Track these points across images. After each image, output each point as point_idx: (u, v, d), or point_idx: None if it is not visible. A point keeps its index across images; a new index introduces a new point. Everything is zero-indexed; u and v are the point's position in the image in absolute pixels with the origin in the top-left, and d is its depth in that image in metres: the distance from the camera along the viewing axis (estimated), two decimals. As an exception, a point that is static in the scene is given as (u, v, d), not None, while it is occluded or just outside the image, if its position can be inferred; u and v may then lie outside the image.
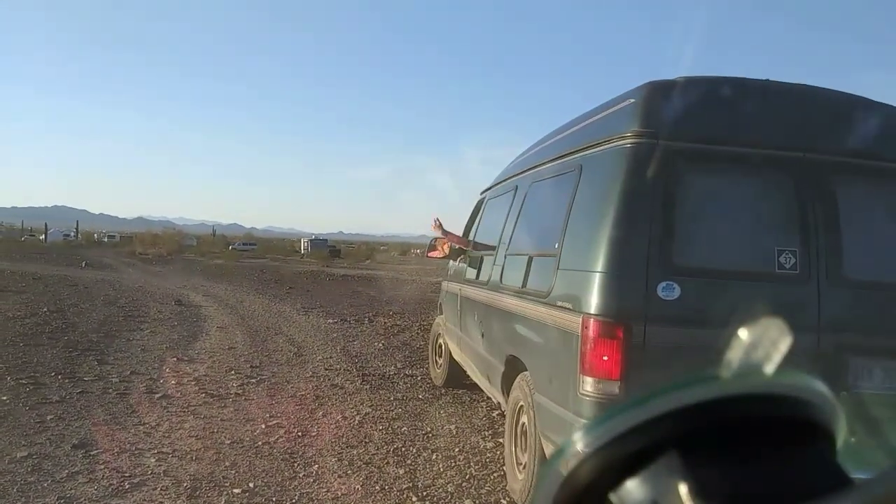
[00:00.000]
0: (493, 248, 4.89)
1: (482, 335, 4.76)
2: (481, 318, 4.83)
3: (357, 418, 5.85)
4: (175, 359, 8.21)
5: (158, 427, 5.34)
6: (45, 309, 12.46)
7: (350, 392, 6.85)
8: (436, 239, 6.70)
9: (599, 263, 2.93)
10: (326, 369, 8.01)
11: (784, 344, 0.45)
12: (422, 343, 10.29)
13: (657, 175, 2.97)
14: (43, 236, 74.79)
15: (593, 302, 2.91)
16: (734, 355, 0.45)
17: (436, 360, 7.38)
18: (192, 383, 6.94)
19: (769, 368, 0.45)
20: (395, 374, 7.89)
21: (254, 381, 7.19)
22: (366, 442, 5.20)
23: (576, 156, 3.59)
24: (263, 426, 5.48)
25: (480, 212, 5.92)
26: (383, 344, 10.12)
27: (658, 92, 3.15)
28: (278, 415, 5.87)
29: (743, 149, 3.10)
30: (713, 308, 2.79)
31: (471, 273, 5.49)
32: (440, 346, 7.22)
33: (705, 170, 3.11)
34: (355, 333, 11.31)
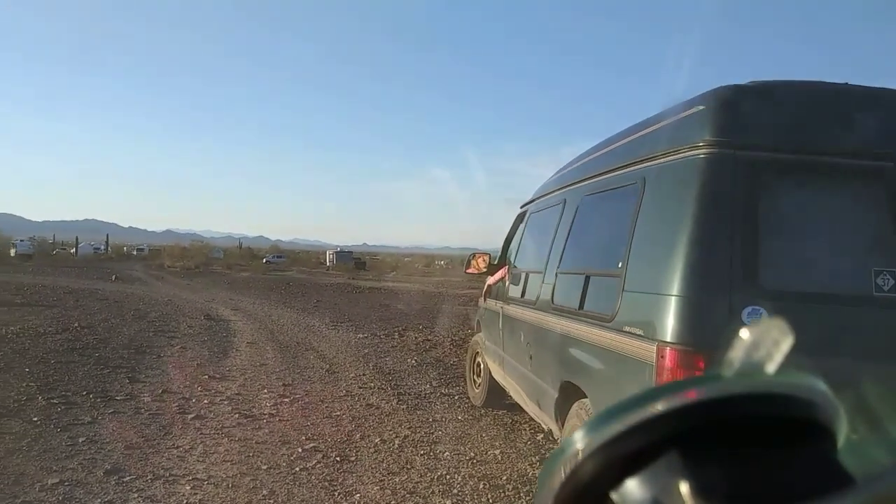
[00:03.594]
0: (539, 265, 4.65)
1: (530, 357, 4.51)
2: (529, 340, 4.58)
3: (396, 441, 5.62)
4: (207, 376, 8.07)
5: (192, 450, 5.16)
6: (76, 324, 12.45)
7: (386, 412, 6.63)
8: (474, 255, 6.47)
9: (675, 286, 2.67)
10: (360, 387, 7.80)
11: (785, 344, 0.45)
12: (455, 360, 10.05)
13: (736, 188, 2.72)
14: (74, 250, 75.98)
15: (669, 329, 2.65)
16: (735, 355, 0.45)
17: (474, 380, 7.13)
18: (225, 402, 6.77)
19: (770, 368, 0.44)
20: (430, 392, 7.65)
21: (287, 399, 7.00)
22: (408, 468, 4.96)
23: (637, 167, 3.34)
24: (300, 450, 5.28)
25: (523, 226, 5.66)
26: (416, 360, 9.89)
27: (731, 97, 2.91)
28: (315, 437, 5.66)
29: (830, 158, 2.83)
30: (803, 335, 2.53)
31: (514, 291, 5.24)
32: (478, 365, 6.97)
33: (791, 182, 2.84)
34: (386, 349, 11.11)
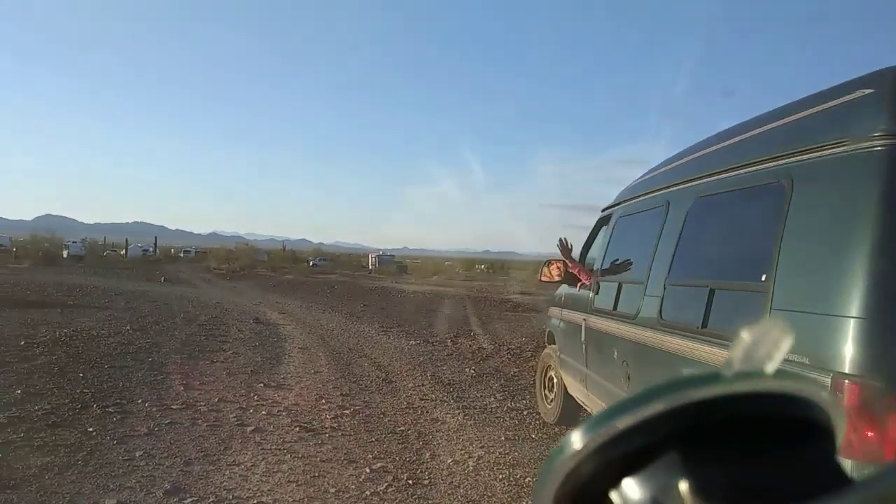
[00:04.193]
0: (638, 274, 4.18)
1: (627, 377, 4.05)
2: (626, 358, 4.12)
3: (470, 463, 5.20)
4: (262, 384, 7.79)
5: (255, 468, 4.83)
6: (128, 327, 12.38)
7: (453, 428, 6.22)
8: (549, 261, 6.03)
9: (854, 306, 2.20)
10: (421, 399, 7.42)
11: (785, 344, 0.44)
12: (515, 370, 9.60)
13: None
14: (124, 251, 77.67)
15: (849, 358, 2.18)
16: (735, 355, 0.45)
17: (545, 395, 6.68)
18: (284, 414, 6.46)
19: (770, 368, 0.44)
20: (497, 407, 7.22)
21: (347, 412, 6.65)
22: (488, 496, 4.54)
23: (779, 163, 2.86)
24: (368, 470, 4.90)
25: (610, 231, 5.18)
26: (474, 371, 9.47)
27: None
28: (382, 455, 5.29)
29: None
30: None
31: (603, 302, 4.77)
32: (550, 380, 6.52)
33: None
34: (441, 357, 10.71)
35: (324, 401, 7.11)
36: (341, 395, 7.46)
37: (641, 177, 4.89)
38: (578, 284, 5.58)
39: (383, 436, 5.87)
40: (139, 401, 6.66)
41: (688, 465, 0.42)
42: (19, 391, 6.77)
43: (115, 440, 5.35)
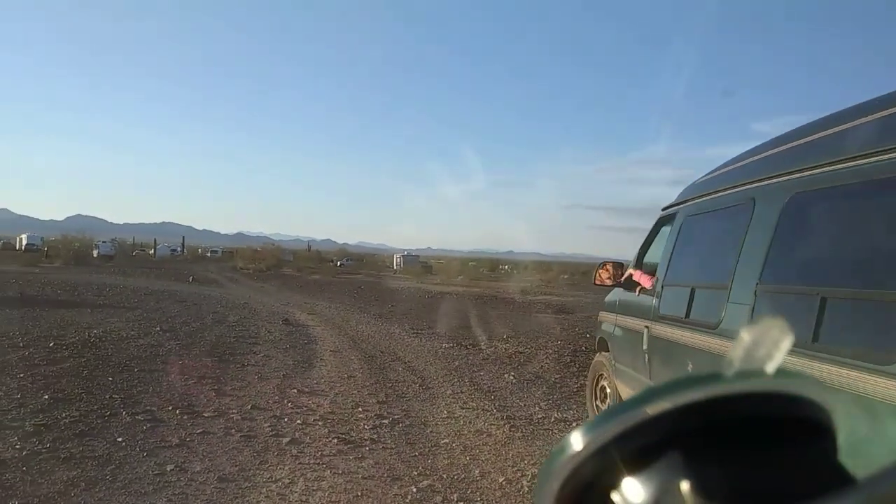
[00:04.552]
0: (718, 279, 3.76)
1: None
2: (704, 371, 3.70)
3: (524, 482, 4.81)
4: (295, 390, 7.48)
5: (293, 486, 4.49)
6: (158, 328, 12.18)
7: (500, 441, 5.84)
8: (603, 263, 5.62)
9: None
10: (462, 408, 7.05)
11: (785, 344, 0.45)
12: (557, 377, 9.19)
13: None
14: (152, 251, 78.55)
15: None
16: (735, 355, 0.45)
17: (597, 406, 6.27)
18: (320, 423, 6.13)
19: (770, 368, 0.44)
20: (543, 417, 6.82)
21: (386, 421, 6.30)
22: (549, 521, 4.16)
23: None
24: (414, 489, 4.54)
25: (676, 232, 4.73)
26: (514, 377, 9.07)
27: None
28: (428, 472, 4.92)
29: None
30: None
31: (672, 308, 4.35)
32: (603, 390, 6.10)
33: None
34: (477, 362, 10.33)
35: (360, 409, 6.77)
36: (378, 402, 7.12)
37: (713, 172, 4.45)
38: (637, 289, 5.16)
39: (427, 449, 5.50)
40: (170, 408, 6.38)
41: (689, 465, 0.42)
42: (47, 396, 6.53)
43: (144, 452, 5.05)
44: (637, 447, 0.43)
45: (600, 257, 6.51)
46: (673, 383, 0.44)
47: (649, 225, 5.50)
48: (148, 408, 6.36)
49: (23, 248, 68.48)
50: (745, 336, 0.45)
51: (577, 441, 0.44)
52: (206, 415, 6.21)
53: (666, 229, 5.17)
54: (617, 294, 5.82)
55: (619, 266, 5.57)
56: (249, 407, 6.59)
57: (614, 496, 0.44)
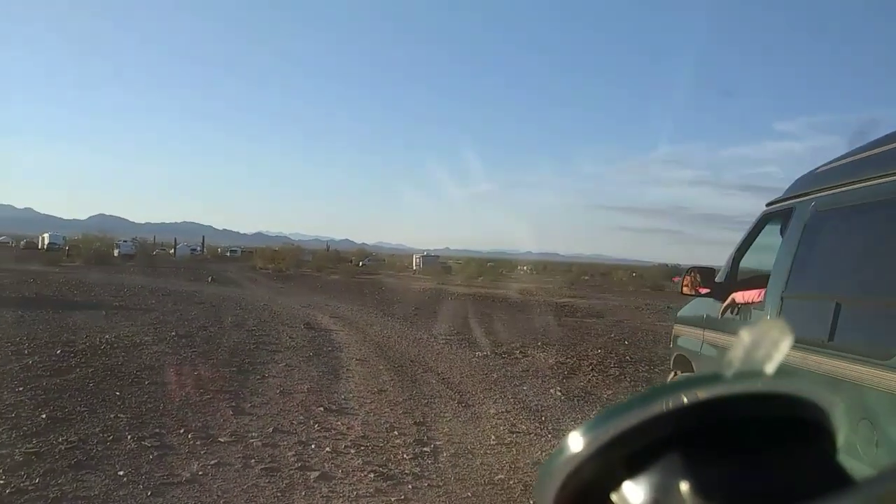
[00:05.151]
0: (878, 293, 2.91)
1: (875, 442, 2.78)
2: (869, 414, 2.84)
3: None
4: (322, 408, 6.69)
5: (325, 541, 3.70)
6: (174, 333, 11.47)
7: (564, 477, 5.00)
8: (692, 270, 4.76)
9: None
10: (511, 432, 6.21)
11: (784, 344, 0.44)
12: (609, 393, 8.32)
13: None
14: (172, 251, 78.52)
15: None
16: (735, 355, 0.45)
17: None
18: (352, 451, 5.33)
19: (770, 368, 0.44)
20: (606, 444, 5.97)
21: (427, 449, 5.49)
22: None
23: None
24: (473, 546, 3.73)
25: (799, 231, 3.84)
26: (561, 392, 8.21)
27: None
28: (486, 521, 4.11)
29: None
30: None
31: (803, 328, 3.47)
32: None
33: None
34: (516, 373, 9.49)
35: (396, 432, 5.96)
36: (415, 423, 6.31)
37: (852, 154, 3.56)
38: (730, 301, 4.27)
39: (481, 488, 4.67)
40: (181, 430, 5.61)
41: (688, 466, 0.42)
42: (45, 415, 5.80)
43: (149, 490, 4.28)
44: (637, 448, 0.43)
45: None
46: (672, 384, 0.44)
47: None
48: (156, 430, 5.59)
49: (45, 247, 68.73)
50: (745, 336, 0.45)
51: (576, 442, 0.44)
52: (221, 439, 5.43)
53: (772, 228, 4.29)
54: (705, 305, 4.92)
55: (710, 272, 4.70)
56: (271, 430, 5.81)
57: (614, 497, 0.44)
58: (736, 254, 4.61)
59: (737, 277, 4.54)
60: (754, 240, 4.51)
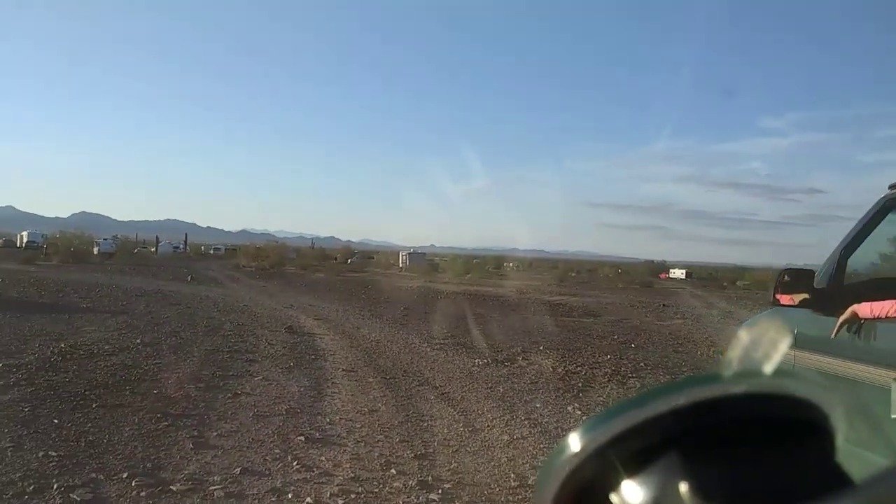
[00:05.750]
0: None
1: None
2: None
3: None
4: (302, 437, 5.58)
5: None
6: (139, 340, 10.29)
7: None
8: (788, 271, 3.70)
9: None
10: (535, 467, 5.13)
11: (783, 344, 0.45)
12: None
13: None
14: (154, 249, 76.87)
15: None
16: (734, 355, 0.45)
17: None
18: (340, 501, 4.24)
19: (769, 368, 0.44)
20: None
21: (435, 497, 4.39)
22: None
23: None
24: None
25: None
26: (581, 411, 7.13)
27: None
28: None
29: None
30: None
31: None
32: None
33: None
34: (524, 386, 8.41)
35: (394, 470, 4.87)
36: (415, 456, 5.23)
37: None
38: (850, 315, 3.21)
39: (508, 558, 3.60)
40: (124, 474, 4.46)
41: (687, 466, 0.42)
42: (-46, 457, 4.64)
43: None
44: (636, 448, 0.43)
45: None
46: (671, 384, 0.43)
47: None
48: (93, 475, 4.45)
49: (23, 245, 66.96)
50: (744, 336, 0.45)
51: (576, 442, 0.44)
52: (174, 487, 4.30)
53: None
54: (794, 317, 3.84)
55: (807, 275, 3.64)
56: (239, 470, 4.68)
57: (613, 497, 0.44)
58: (843, 251, 3.53)
59: (843, 281, 3.49)
60: (870, 233, 3.45)
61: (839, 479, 0.43)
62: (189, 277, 30.29)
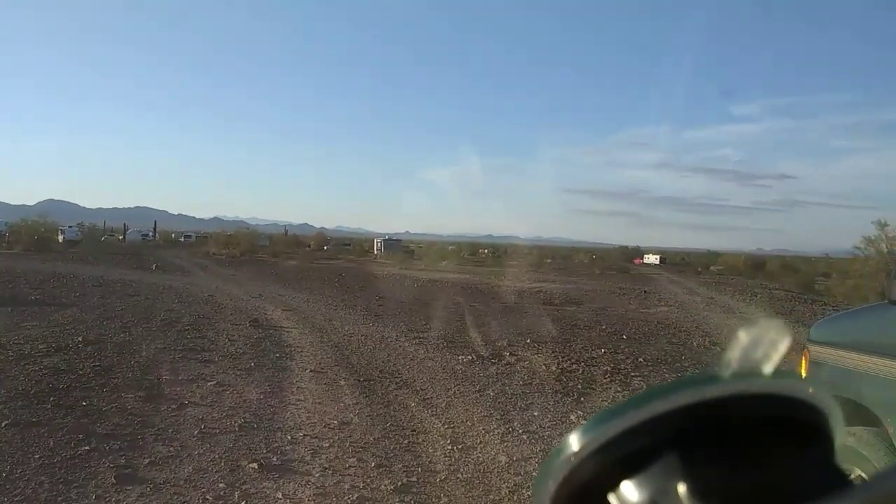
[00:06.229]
0: None
1: None
2: None
3: None
4: (256, 464, 4.54)
5: None
6: (81, 338, 9.12)
7: None
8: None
9: None
10: None
11: (783, 345, 0.44)
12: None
13: None
14: (122, 236, 74.66)
15: None
16: (733, 355, 0.44)
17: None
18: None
19: (768, 369, 0.44)
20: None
21: (421, 552, 3.41)
22: None
23: None
24: None
25: None
26: (584, 419, 6.21)
27: None
28: None
29: None
30: None
31: None
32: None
33: None
34: (517, 389, 7.43)
35: (368, 508, 3.87)
36: (395, 489, 4.23)
37: None
38: None
39: None
40: (13, 528, 3.42)
41: (686, 466, 0.42)
42: None
43: None
44: (634, 448, 0.43)
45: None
46: (670, 385, 0.43)
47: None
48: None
49: (-15, 233, 64.57)
50: (743, 337, 0.44)
51: (574, 442, 0.44)
52: (77, 548, 3.26)
53: None
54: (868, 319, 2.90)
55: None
56: (168, 516, 3.65)
57: (612, 498, 0.43)
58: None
59: None
60: None
61: (837, 481, 0.42)
62: (153, 266, 28.85)
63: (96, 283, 18.92)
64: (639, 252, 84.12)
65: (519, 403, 6.68)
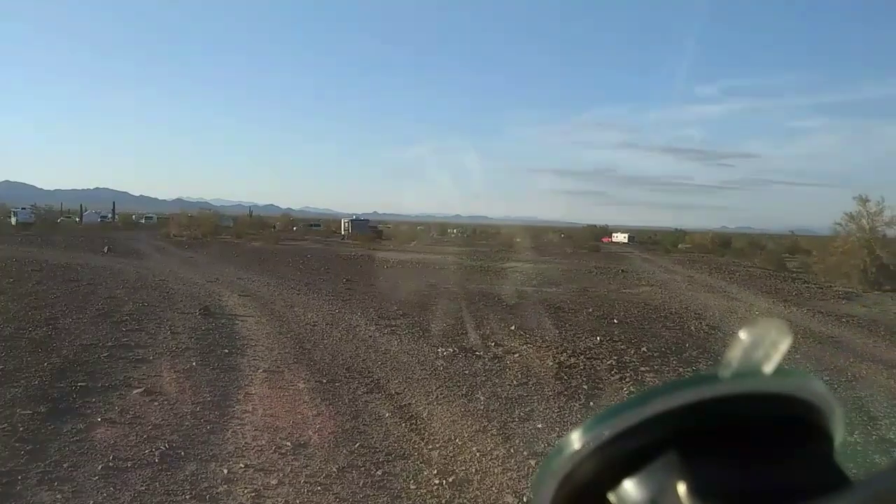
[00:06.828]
0: None
1: None
2: None
3: None
4: (172, 519, 3.30)
5: None
6: (-10, 333, 7.69)
7: None
8: None
9: None
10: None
11: (783, 344, 0.44)
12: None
13: None
14: (79, 218, 71.82)
15: None
16: (734, 355, 0.44)
17: None
18: None
19: (768, 368, 0.44)
20: None
21: None
22: None
23: None
24: None
25: None
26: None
27: None
28: None
29: None
30: None
31: None
32: None
33: None
34: (512, 392, 6.24)
35: None
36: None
37: None
38: None
39: None
40: None
41: (686, 466, 0.42)
42: None
43: None
44: (634, 448, 0.43)
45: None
46: (670, 384, 0.43)
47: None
48: None
49: (-70, 217, 61.34)
50: (744, 336, 0.45)
51: (575, 440, 0.44)
52: None
53: None
54: None
55: None
56: None
57: (611, 497, 0.43)
58: None
59: None
60: None
61: (837, 480, 0.42)
62: (105, 249, 27.04)
63: (36, 268, 17.26)
64: (607, 231, 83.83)
65: (517, 412, 5.49)
